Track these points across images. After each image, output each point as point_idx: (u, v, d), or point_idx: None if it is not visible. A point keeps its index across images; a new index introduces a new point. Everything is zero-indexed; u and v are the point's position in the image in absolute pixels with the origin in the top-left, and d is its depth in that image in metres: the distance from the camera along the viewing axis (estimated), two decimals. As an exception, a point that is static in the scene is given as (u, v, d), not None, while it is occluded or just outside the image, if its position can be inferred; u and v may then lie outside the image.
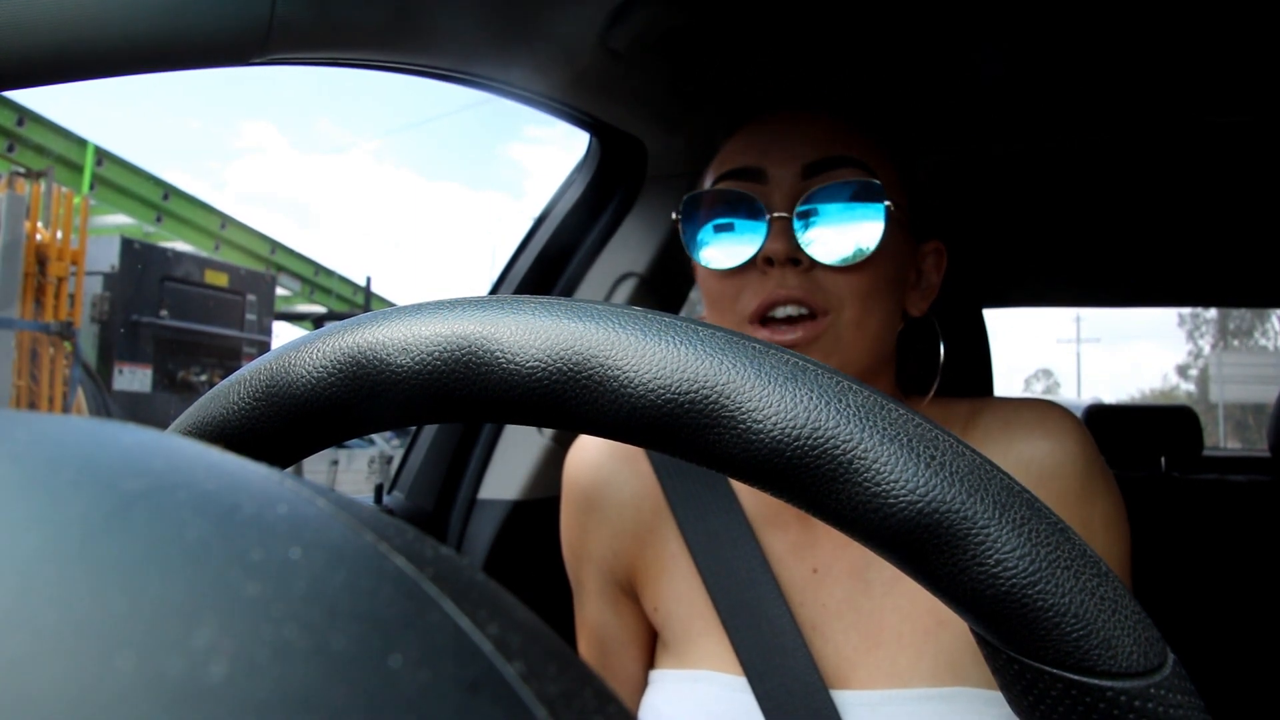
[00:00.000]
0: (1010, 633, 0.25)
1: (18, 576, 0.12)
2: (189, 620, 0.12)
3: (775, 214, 0.74)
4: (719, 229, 0.77)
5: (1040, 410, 0.77)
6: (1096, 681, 0.24)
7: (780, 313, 0.74)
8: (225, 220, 11.43)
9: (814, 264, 0.74)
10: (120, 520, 0.13)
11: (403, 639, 0.13)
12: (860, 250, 0.74)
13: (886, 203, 0.74)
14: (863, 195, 0.75)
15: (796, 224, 0.74)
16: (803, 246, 0.74)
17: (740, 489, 0.81)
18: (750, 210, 0.76)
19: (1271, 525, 1.80)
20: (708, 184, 0.80)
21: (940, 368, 0.82)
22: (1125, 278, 2.04)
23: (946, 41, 1.07)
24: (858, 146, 0.77)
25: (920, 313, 0.83)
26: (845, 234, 0.74)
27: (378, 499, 1.18)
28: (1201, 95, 1.11)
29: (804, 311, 0.74)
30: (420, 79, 0.89)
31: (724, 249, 0.77)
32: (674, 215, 0.82)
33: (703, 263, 0.78)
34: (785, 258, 0.73)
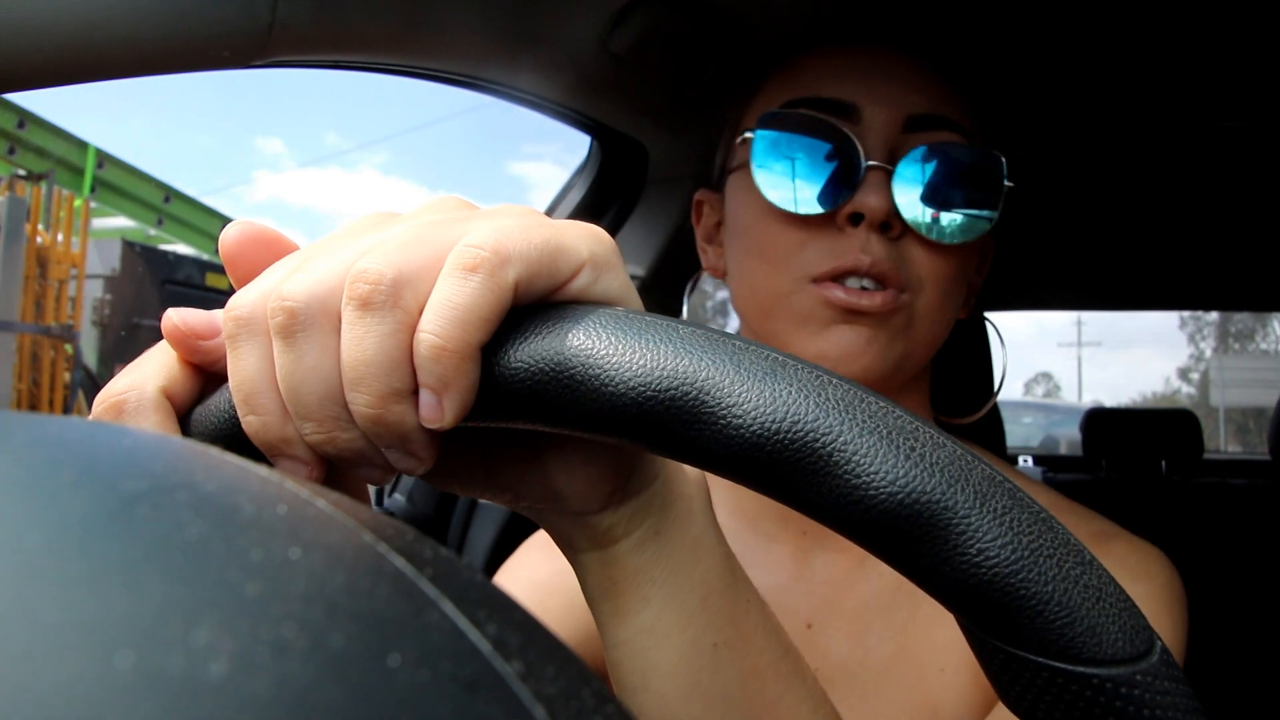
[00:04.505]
0: (994, 621, 0.25)
1: (19, 575, 0.12)
2: (189, 619, 0.12)
3: (873, 163, 0.62)
4: (796, 163, 0.64)
5: (1135, 550, 0.70)
6: (1082, 669, 0.24)
7: (853, 283, 0.62)
8: (226, 223, 11.41)
9: (905, 232, 0.63)
10: (121, 520, 0.13)
11: (401, 638, 0.13)
12: (970, 230, 0.64)
13: (1009, 182, 0.65)
14: (979, 167, 0.64)
15: (895, 182, 0.62)
16: (900, 210, 0.62)
17: (730, 537, 0.78)
18: (843, 151, 0.63)
19: (1271, 529, 1.80)
20: (777, 105, 0.67)
21: (997, 390, 0.78)
22: (1126, 281, 2.03)
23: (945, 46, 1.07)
24: (960, 110, 0.66)
25: (965, 314, 0.73)
26: (954, 207, 0.64)
27: (378, 502, 1.18)
28: (1204, 99, 1.11)
29: (880, 286, 0.63)
30: (421, 81, 0.89)
31: (799, 189, 0.63)
32: (746, 134, 0.67)
33: (770, 199, 0.64)
34: (880, 218, 0.62)
